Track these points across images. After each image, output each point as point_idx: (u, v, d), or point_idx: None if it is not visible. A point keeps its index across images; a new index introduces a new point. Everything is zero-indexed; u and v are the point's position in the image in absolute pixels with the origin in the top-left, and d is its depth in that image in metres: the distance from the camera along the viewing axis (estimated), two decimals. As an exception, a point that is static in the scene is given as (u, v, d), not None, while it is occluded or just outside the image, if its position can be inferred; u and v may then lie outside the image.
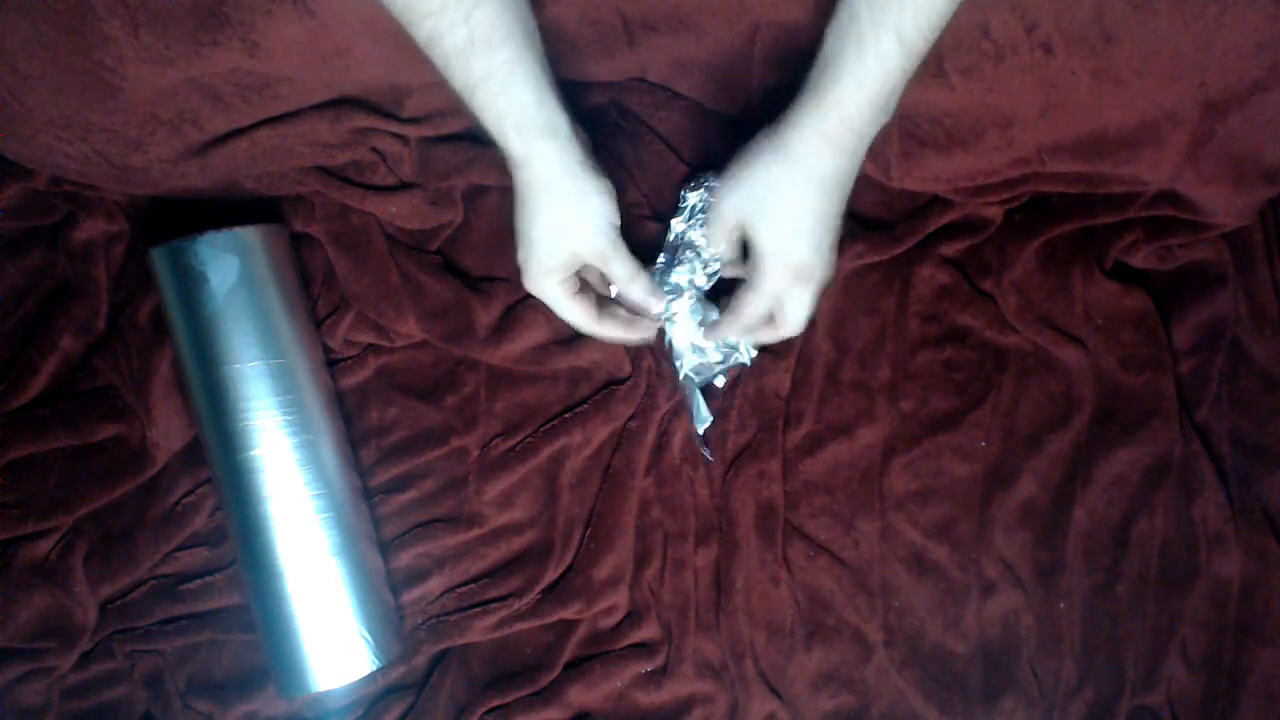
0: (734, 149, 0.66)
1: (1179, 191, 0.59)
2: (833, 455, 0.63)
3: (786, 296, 0.54)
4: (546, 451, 0.64)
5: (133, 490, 0.63)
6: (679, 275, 0.60)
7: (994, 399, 0.63)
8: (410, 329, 0.64)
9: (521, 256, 0.55)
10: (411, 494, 0.64)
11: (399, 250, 0.64)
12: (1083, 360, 0.63)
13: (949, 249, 0.65)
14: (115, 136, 0.56)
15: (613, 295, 0.61)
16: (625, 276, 0.56)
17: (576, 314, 0.57)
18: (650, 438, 0.64)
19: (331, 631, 0.58)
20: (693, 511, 0.64)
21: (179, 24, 0.51)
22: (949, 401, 0.64)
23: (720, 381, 0.65)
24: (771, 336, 0.58)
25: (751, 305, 0.55)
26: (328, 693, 0.61)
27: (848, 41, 0.46)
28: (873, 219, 0.66)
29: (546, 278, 0.55)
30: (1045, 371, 0.64)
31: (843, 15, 0.46)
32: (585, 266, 0.56)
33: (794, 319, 0.55)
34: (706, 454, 0.63)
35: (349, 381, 0.65)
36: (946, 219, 0.64)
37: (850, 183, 0.51)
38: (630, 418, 0.64)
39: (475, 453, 0.64)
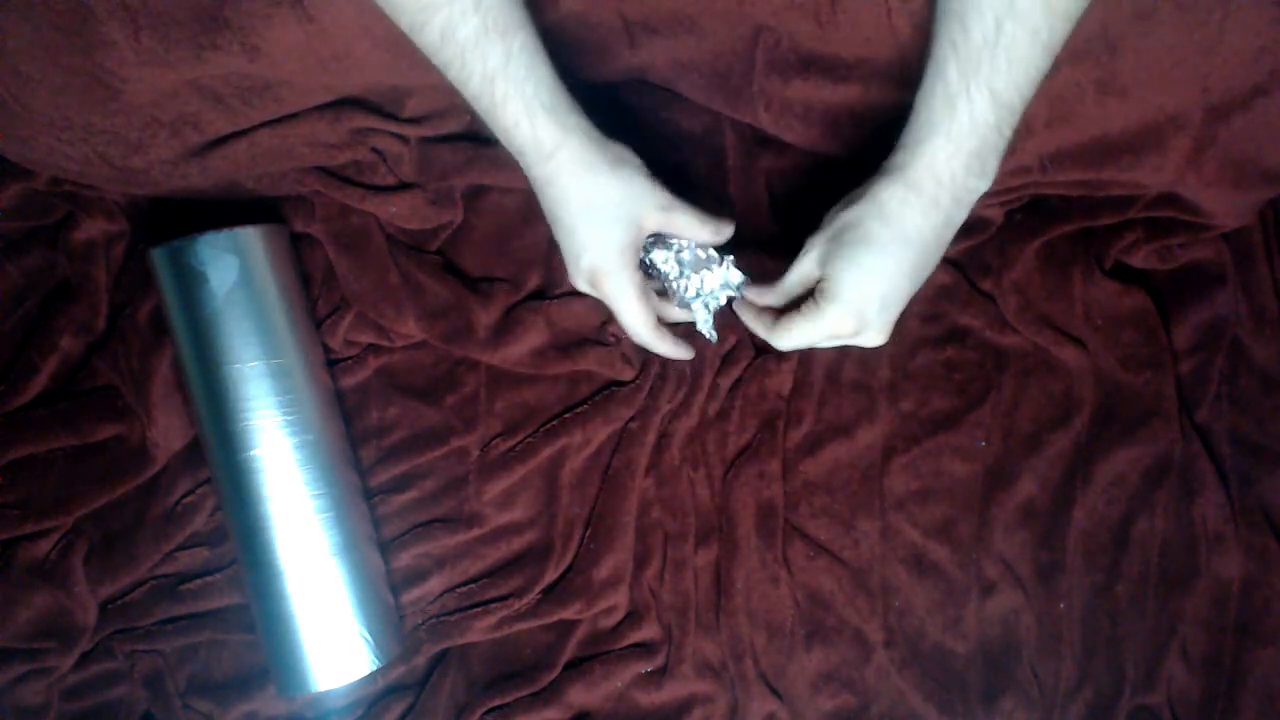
0: (738, 150, 0.66)
1: (1179, 193, 0.59)
2: (833, 455, 0.63)
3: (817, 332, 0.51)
4: (546, 452, 0.64)
5: (133, 490, 0.63)
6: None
7: (994, 399, 0.63)
8: (410, 329, 0.64)
9: (587, 259, 0.51)
10: (411, 494, 0.64)
11: (399, 250, 0.64)
12: (1083, 360, 0.63)
13: (949, 249, 0.65)
14: (116, 138, 0.56)
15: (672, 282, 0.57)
16: (694, 224, 0.52)
17: (639, 316, 0.53)
18: (650, 438, 0.64)
19: (331, 631, 0.58)
20: (693, 511, 0.64)
21: (180, 28, 0.51)
22: (949, 401, 0.64)
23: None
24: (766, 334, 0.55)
25: (802, 333, 0.52)
26: (328, 693, 0.61)
27: (936, 100, 0.46)
28: (873, 219, 0.66)
29: (618, 264, 0.51)
30: (1045, 371, 0.64)
31: (930, 74, 0.46)
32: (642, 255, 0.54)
33: (794, 341, 0.53)
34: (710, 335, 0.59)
35: (349, 381, 0.65)
36: (946, 219, 0.64)
37: (942, 248, 0.50)
38: (630, 418, 0.64)
39: (475, 453, 0.64)
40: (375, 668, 0.59)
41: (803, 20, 0.54)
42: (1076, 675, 0.61)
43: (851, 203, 0.50)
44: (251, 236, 0.58)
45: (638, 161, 0.51)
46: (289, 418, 0.58)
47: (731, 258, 0.56)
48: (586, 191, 0.50)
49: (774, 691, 0.63)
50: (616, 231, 0.51)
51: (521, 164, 0.51)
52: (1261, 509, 0.60)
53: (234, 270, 0.57)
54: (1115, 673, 0.61)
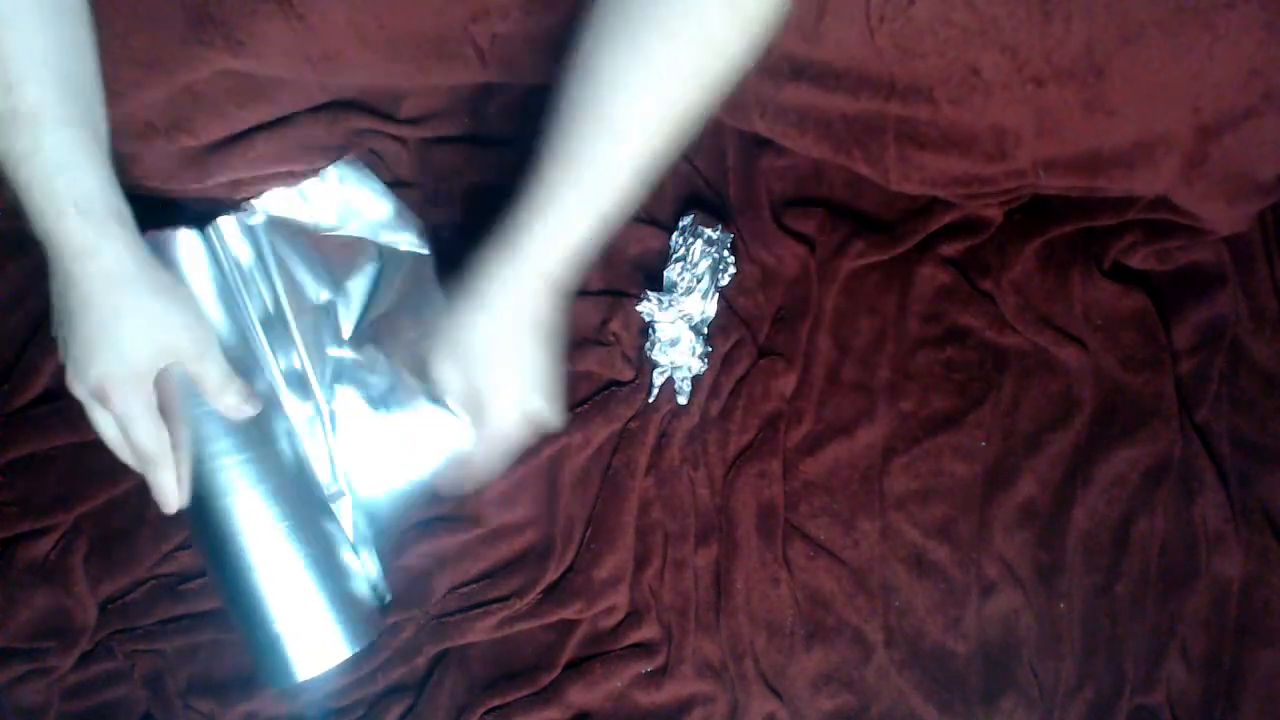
0: (738, 150, 0.66)
1: (1175, 202, 0.59)
2: (833, 455, 0.63)
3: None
4: (547, 452, 0.64)
5: (133, 488, 0.63)
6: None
7: (994, 399, 0.63)
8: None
9: (98, 371, 0.47)
10: (412, 494, 0.64)
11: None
12: (1083, 360, 0.63)
13: (949, 249, 0.65)
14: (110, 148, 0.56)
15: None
16: (220, 379, 0.51)
17: (149, 433, 0.49)
18: (650, 438, 0.64)
19: (300, 621, 0.56)
20: (693, 511, 0.64)
21: (168, 25, 0.50)
22: (949, 401, 0.64)
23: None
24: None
25: (480, 455, 0.53)
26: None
27: (550, 212, 0.46)
28: (873, 219, 0.66)
29: (133, 385, 0.48)
30: (1045, 371, 0.64)
31: (547, 180, 0.46)
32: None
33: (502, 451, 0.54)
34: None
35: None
36: (946, 219, 0.64)
37: (555, 324, 0.50)
38: (630, 418, 0.64)
39: (475, 452, 0.64)
40: (351, 653, 0.58)
41: (789, 34, 0.54)
42: (1076, 675, 0.61)
43: (464, 318, 0.50)
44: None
45: (185, 294, 0.50)
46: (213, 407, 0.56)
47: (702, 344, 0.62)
48: (125, 302, 0.47)
49: (774, 691, 0.63)
50: (139, 354, 0.48)
51: (47, 251, 0.47)
52: (1261, 509, 0.60)
53: None
54: (1115, 673, 0.61)
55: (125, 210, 0.47)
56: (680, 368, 0.62)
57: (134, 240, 0.47)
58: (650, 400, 0.63)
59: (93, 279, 0.46)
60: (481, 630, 0.63)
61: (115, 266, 0.46)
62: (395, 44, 0.51)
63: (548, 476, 0.64)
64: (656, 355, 0.62)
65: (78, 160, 0.45)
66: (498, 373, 0.50)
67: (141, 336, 0.48)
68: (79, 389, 0.49)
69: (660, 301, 0.60)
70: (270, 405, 0.60)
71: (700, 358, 0.62)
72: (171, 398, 0.51)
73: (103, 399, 0.48)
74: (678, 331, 0.61)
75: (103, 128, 0.47)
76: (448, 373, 0.52)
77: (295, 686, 0.58)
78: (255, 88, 0.55)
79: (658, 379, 0.63)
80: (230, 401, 0.51)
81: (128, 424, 0.49)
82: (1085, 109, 0.53)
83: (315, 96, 0.58)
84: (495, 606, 0.63)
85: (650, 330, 0.62)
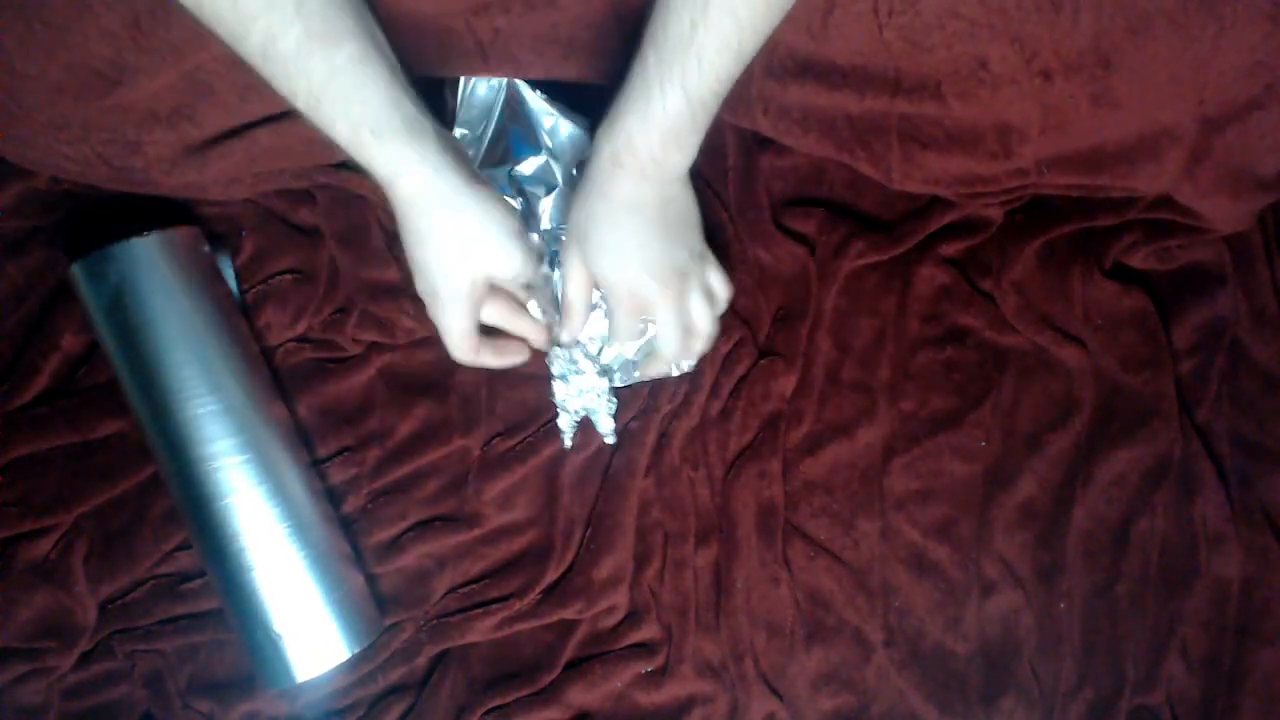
0: (738, 150, 0.66)
1: (1177, 199, 0.59)
2: (833, 455, 0.63)
3: (650, 323, 0.54)
4: (547, 451, 0.64)
5: (133, 487, 0.63)
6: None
7: (994, 399, 0.63)
8: (412, 325, 0.63)
9: (422, 287, 0.51)
10: (412, 494, 0.64)
11: (398, 245, 0.63)
12: (1083, 360, 0.63)
13: (949, 249, 0.65)
14: (114, 137, 0.56)
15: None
16: (519, 306, 0.55)
17: (463, 348, 0.54)
18: (650, 438, 0.64)
19: (300, 623, 0.57)
20: (693, 511, 0.64)
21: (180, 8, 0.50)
22: (949, 401, 0.64)
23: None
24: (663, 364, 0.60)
25: (618, 339, 0.56)
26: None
27: (634, 86, 0.47)
28: (873, 219, 0.66)
29: (455, 308, 0.51)
30: (1045, 371, 0.64)
31: (634, 61, 0.47)
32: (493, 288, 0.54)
33: (662, 343, 0.55)
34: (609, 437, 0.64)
35: (352, 382, 0.65)
36: (946, 219, 0.64)
37: (670, 211, 0.50)
38: (630, 418, 0.64)
39: (476, 452, 0.64)
40: (351, 654, 0.58)
41: (795, 31, 0.54)
42: (1076, 675, 0.61)
43: (576, 203, 0.51)
44: (123, 254, 0.56)
45: (508, 219, 0.50)
46: (213, 407, 0.57)
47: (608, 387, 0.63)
48: (428, 226, 0.48)
49: (774, 691, 0.63)
50: (467, 271, 0.50)
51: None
52: (1261, 509, 0.60)
53: (105, 296, 0.56)
54: (1115, 673, 0.61)
55: (423, 122, 0.46)
56: (593, 410, 0.63)
57: (435, 156, 0.46)
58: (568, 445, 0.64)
59: (402, 204, 0.47)
60: (481, 630, 0.63)
61: (419, 188, 0.46)
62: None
63: (548, 476, 0.64)
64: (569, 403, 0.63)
65: (367, 76, 0.44)
66: (609, 256, 0.51)
67: (454, 259, 0.49)
68: (420, 289, 0.52)
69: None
70: (272, 404, 0.60)
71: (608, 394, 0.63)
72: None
73: (429, 308, 0.52)
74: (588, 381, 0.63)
75: (377, 29, 0.46)
76: (576, 270, 0.54)
77: (295, 687, 0.58)
78: (258, 80, 0.55)
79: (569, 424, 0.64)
80: (530, 334, 0.56)
81: (445, 336, 0.53)
82: (1091, 102, 0.53)
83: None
84: (495, 606, 0.63)
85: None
